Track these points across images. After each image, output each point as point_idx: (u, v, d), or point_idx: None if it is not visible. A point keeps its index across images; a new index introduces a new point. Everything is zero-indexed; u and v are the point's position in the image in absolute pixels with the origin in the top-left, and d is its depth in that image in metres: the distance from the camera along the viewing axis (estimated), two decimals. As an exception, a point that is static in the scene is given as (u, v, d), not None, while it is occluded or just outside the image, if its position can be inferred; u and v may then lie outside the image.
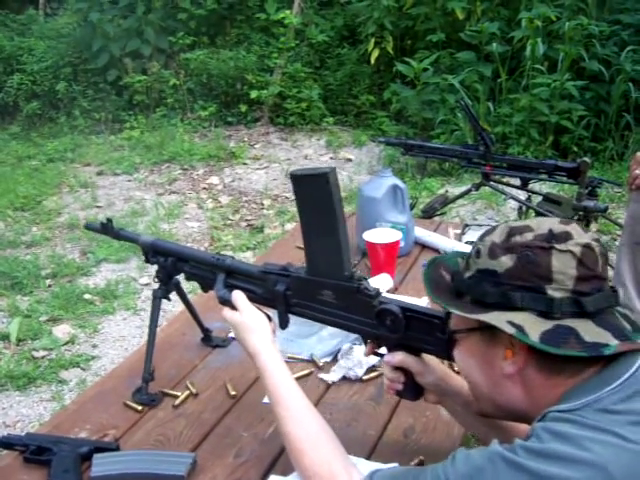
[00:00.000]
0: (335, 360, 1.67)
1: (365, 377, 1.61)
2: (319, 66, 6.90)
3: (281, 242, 2.83)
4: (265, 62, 6.81)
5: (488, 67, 5.67)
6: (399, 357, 1.24)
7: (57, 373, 3.04)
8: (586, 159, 3.22)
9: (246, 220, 4.80)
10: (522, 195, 3.63)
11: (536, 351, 0.97)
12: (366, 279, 1.28)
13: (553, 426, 0.91)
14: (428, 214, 3.72)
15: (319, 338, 1.73)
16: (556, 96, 5.26)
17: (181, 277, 1.58)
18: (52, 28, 7.46)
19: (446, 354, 1.17)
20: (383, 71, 6.65)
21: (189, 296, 1.76)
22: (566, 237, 0.98)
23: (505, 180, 3.69)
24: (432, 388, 1.26)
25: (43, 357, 3.17)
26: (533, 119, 5.35)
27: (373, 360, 1.60)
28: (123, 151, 6.20)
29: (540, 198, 3.59)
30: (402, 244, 2.17)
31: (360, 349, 1.63)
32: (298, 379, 1.56)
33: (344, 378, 1.61)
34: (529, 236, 0.99)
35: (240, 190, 5.36)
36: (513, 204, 4.26)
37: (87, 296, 3.70)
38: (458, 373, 1.23)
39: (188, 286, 1.74)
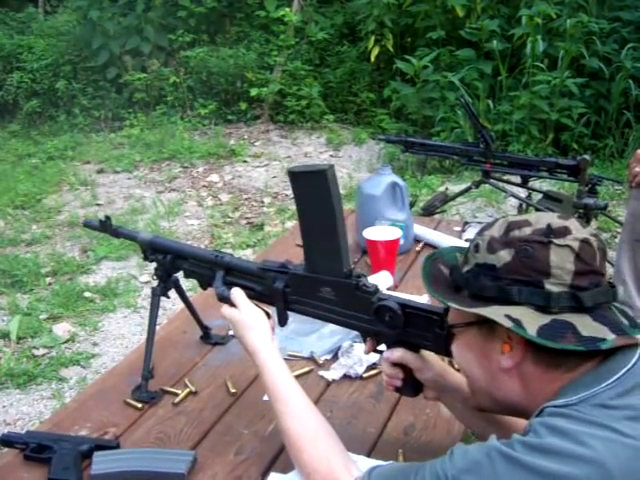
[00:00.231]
0: (335, 358, 1.67)
1: (365, 375, 1.61)
2: (319, 64, 6.89)
3: (281, 240, 2.83)
4: (265, 60, 6.80)
5: (488, 64, 5.67)
6: (398, 353, 1.24)
7: (57, 371, 3.04)
8: (586, 157, 3.21)
9: (246, 218, 4.80)
10: (522, 193, 3.62)
11: (533, 345, 0.97)
12: (365, 276, 1.29)
13: (550, 421, 0.92)
14: (428, 212, 3.72)
15: (319, 336, 1.73)
16: (556, 93, 5.25)
17: (180, 275, 1.58)
18: (52, 26, 7.45)
19: (445, 350, 1.17)
20: (383, 69, 6.65)
21: (189, 294, 1.76)
22: (564, 232, 0.98)
23: (505, 178, 3.69)
24: (431, 384, 1.26)
25: (43, 355, 3.17)
26: (533, 117, 5.34)
27: (374, 358, 1.60)
28: (123, 149, 6.20)
29: (540, 196, 3.59)
30: (402, 242, 2.17)
31: (360, 347, 1.63)
32: (298, 377, 1.56)
33: (344, 376, 1.61)
34: (527, 231, 1.00)
35: (240, 188, 5.35)
36: (513, 202, 4.25)
37: (87, 294, 3.70)
38: (458, 370, 1.23)
39: (188, 284, 1.74)
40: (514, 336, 0.99)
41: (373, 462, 1.26)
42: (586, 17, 5.32)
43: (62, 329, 3.36)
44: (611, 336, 0.96)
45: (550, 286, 0.97)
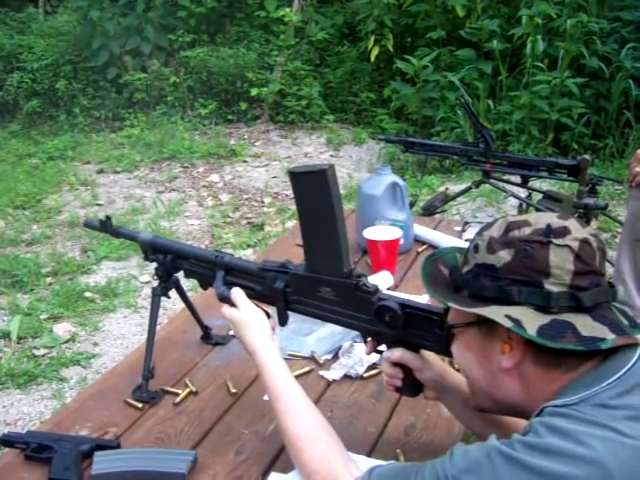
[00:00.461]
0: (336, 358, 1.67)
1: (366, 375, 1.61)
2: (319, 64, 6.90)
3: (281, 240, 2.83)
4: (265, 60, 6.80)
5: (488, 64, 5.67)
6: (398, 353, 1.24)
7: (58, 371, 3.05)
8: (586, 156, 3.22)
9: (246, 218, 4.80)
10: (522, 193, 3.62)
11: (533, 345, 0.97)
12: (365, 276, 1.29)
13: (550, 421, 0.92)
14: (428, 212, 3.73)
15: (319, 336, 1.73)
16: (556, 93, 5.25)
17: (180, 275, 1.58)
18: (52, 26, 7.45)
19: (445, 350, 1.17)
20: (383, 69, 6.65)
21: (189, 294, 1.76)
22: (564, 232, 0.98)
23: (505, 178, 3.69)
24: (430, 384, 1.26)
25: (44, 355, 3.17)
26: (533, 116, 5.34)
27: (374, 358, 1.60)
28: (123, 149, 6.20)
29: (540, 196, 3.59)
30: (402, 242, 2.17)
31: (361, 347, 1.63)
32: (299, 376, 1.56)
33: (345, 376, 1.61)
34: (527, 231, 1.00)
35: (240, 188, 5.36)
36: (513, 202, 4.26)
37: (88, 294, 3.71)
38: (458, 370, 1.23)
39: (188, 284, 1.74)
40: (514, 336, 0.99)
41: (373, 462, 1.26)
42: (586, 17, 5.32)
43: (62, 329, 3.36)
44: (611, 336, 0.96)
45: (550, 286, 0.97)
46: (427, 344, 1.22)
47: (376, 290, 1.26)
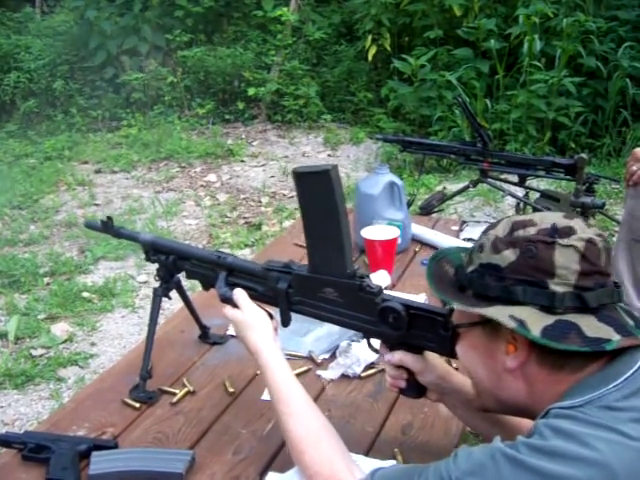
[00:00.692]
0: (333, 357, 1.67)
1: (363, 374, 1.61)
2: (316, 63, 6.90)
3: (279, 239, 2.83)
4: (262, 59, 6.80)
5: (485, 64, 5.67)
6: (398, 356, 1.23)
7: (55, 371, 3.04)
8: (583, 155, 3.22)
9: (244, 218, 4.80)
10: (520, 192, 3.63)
11: (538, 346, 0.97)
12: (368, 276, 1.28)
13: (555, 423, 0.91)
14: (426, 211, 3.73)
15: (317, 335, 1.73)
16: (553, 92, 5.26)
17: (182, 275, 1.58)
18: (49, 26, 7.44)
19: (449, 351, 1.16)
20: (380, 68, 6.65)
21: (188, 294, 1.75)
22: (569, 232, 0.98)
23: (503, 177, 3.70)
24: (433, 387, 1.25)
25: (41, 355, 3.17)
26: (530, 115, 5.35)
27: (372, 357, 1.60)
28: (121, 149, 6.19)
29: (538, 195, 3.60)
30: (399, 241, 2.17)
31: (358, 346, 1.63)
32: (296, 376, 1.55)
33: (342, 375, 1.61)
34: (532, 230, 0.99)
35: (238, 187, 5.35)
36: (511, 201, 4.26)
37: (85, 294, 3.70)
38: (456, 369, 1.23)
39: (186, 283, 1.74)
40: (518, 336, 0.98)
41: (372, 461, 1.26)
42: (583, 16, 5.33)
43: (60, 329, 3.35)
44: (616, 337, 0.95)
45: (555, 286, 0.96)
46: (430, 345, 1.21)
47: (380, 291, 1.25)
